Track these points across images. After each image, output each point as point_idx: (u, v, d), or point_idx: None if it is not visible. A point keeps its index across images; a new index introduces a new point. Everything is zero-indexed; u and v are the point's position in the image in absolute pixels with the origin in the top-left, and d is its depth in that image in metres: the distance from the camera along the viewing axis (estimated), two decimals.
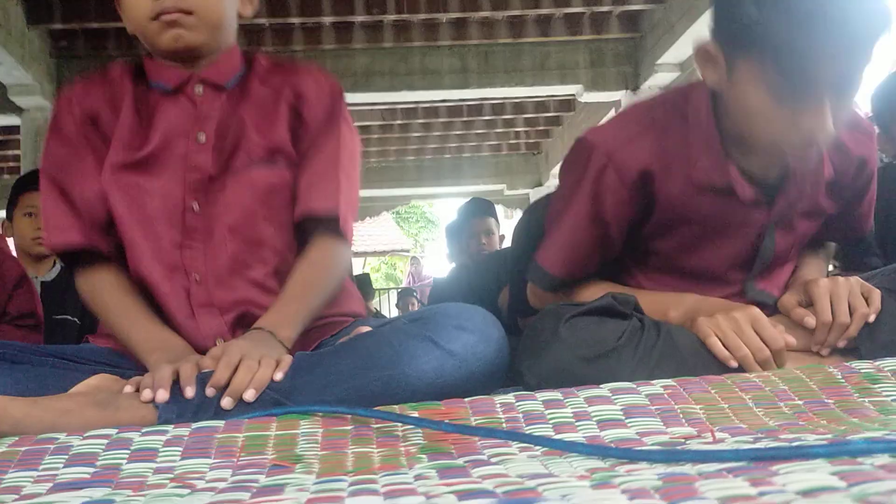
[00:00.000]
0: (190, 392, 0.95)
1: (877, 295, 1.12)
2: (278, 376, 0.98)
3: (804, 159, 1.13)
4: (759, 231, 1.21)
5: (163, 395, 0.94)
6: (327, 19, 4.88)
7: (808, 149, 1.09)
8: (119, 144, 1.19)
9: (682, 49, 4.76)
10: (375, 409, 0.89)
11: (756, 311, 1.08)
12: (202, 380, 0.97)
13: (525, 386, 1.08)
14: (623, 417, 0.83)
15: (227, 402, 0.95)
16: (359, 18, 4.89)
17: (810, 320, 1.12)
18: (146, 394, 0.95)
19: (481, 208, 3.60)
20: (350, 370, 1.00)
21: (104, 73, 1.25)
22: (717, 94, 1.14)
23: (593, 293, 1.21)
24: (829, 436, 0.72)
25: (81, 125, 1.20)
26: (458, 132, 7.39)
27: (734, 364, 1.05)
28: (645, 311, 1.16)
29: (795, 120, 1.04)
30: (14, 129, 5.75)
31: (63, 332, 2.45)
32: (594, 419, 0.83)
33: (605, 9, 5.01)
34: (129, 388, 0.98)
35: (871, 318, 1.11)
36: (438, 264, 7.76)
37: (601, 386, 0.92)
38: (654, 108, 1.23)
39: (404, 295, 7.67)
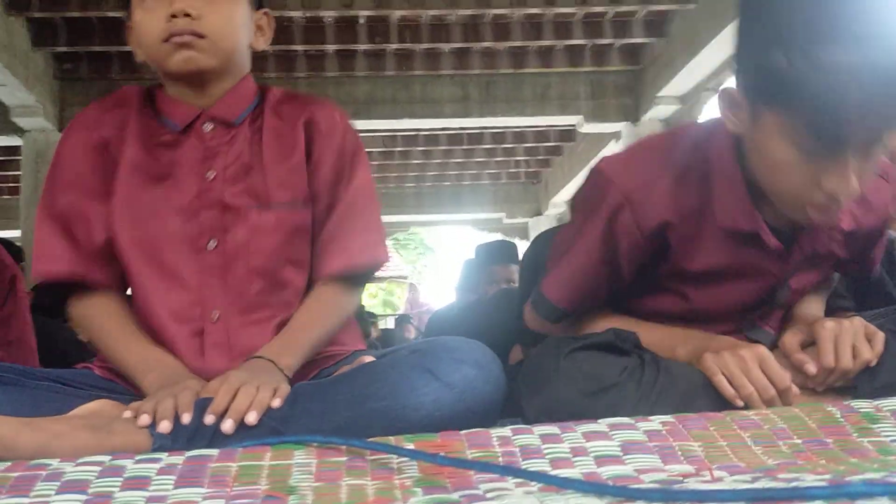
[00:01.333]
0: (187, 419, 0.94)
1: (880, 338, 1.10)
2: (276, 403, 0.97)
3: (826, 215, 1.08)
4: (774, 279, 1.19)
5: (166, 426, 0.93)
6: (331, 47, 4.93)
7: (830, 206, 1.05)
8: (127, 177, 1.17)
9: (682, 82, 4.80)
10: (370, 440, 0.88)
11: (763, 349, 1.08)
12: (199, 406, 0.96)
13: (524, 420, 1.07)
14: (621, 454, 0.83)
15: (228, 426, 0.94)
16: (362, 47, 4.94)
17: (810, 368, 1.10)
18: (143, 419, 0.94)
19: (506, 254, 3.30)
20: (348, 400, 0.99)
21: (116, 99, 1.23)
22: (740, 139, 1.11)
23: (596, 325, 1.21)
24: (828, 476, 0.71)
25: (91, 152, 1.19)
26: (458, 160, 7.43)
27: (740, 403, 1.04)
28: (650, 347, 1.15)
29: (819, 176, 1.00)
30: (15, 150, 5.78)
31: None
32: (592, 455, 0.83)
33: (606, 41, 5.07)
34: (128, 414, 0.97)
35: (873, 363, 1.10)
36: (436, 291, 7.76)
37: (599, 421, 0.91)
38: (676, 146, 1.18)
39: (401, 322, 7.65)
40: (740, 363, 1.05)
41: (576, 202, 1.26)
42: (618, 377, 1.06)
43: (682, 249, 1.16)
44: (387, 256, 1.26)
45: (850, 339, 1.10)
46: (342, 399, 0.99)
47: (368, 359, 1.11)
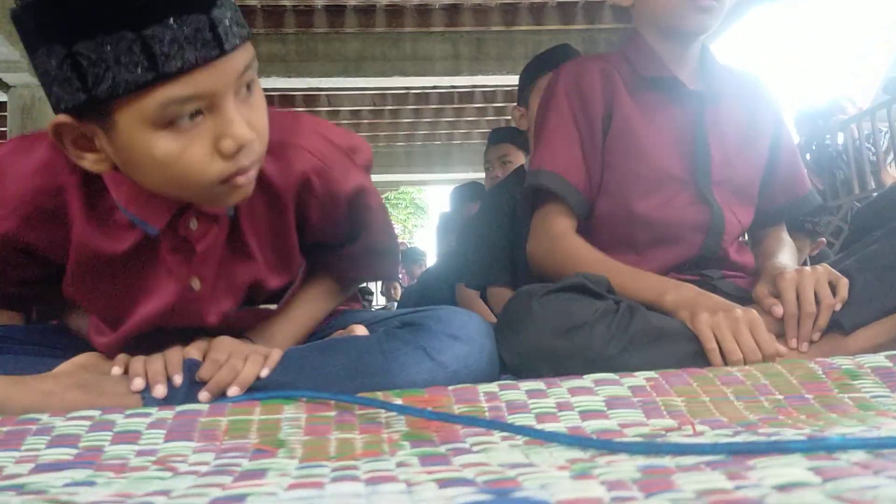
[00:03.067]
0: (178, 380, 0.95)
1: (843, 283, 1.14)
2: (264, 373, 0.97)
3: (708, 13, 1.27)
4: (691, 119, 1.33)
5: (161, 390, 0.94)
6: (319, 2, 4.86)
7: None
8: (79, 267, 0.97)
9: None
10: (359, 395, 0.89)
11: (756, 314, 1.10)
12: (189, 367, 0.97)
13: (501, 364, 1.09)
14: (605, 408, 0.84)
15: (203, 396, 0.95)
16: (351, 2, 4.87)
17: (777, 310, 1.14)
18: (137, 382, 0.94)
19: (476, 192, 3.51)
20: (339, 373, 0.99)
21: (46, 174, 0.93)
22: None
23: (585, 260, 1.25)
24: (808, 430, 0.73)
25: (31, 222, 0.94)
26: (448, 119, 7.38)
27: (719, 365, 1.06)
28: (636, 292, 1.18)
29: None
30: (1, 106, 5.70)
31: None
32: (576, 409, 0.84)
33: None
34: (116, 370, 0.97)
35: (837, 307, 1.14)
36: (426, 250, 7.76)
37: (584, 377, 0.92)
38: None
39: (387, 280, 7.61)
40: (732, 325, 1.07)
41: (540, 104, 1.43)
42: (590, 316, 1.08)
43: (617, 102, 1.34)
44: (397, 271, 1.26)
45: (812, 285, 1.13)
46: (333, 372, 0.99)
47: (361, 329, 1.10)
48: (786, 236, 1.45)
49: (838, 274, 1.15)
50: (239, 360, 0.97)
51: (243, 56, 0.84)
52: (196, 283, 1.00)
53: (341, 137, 1.06)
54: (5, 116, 5.48)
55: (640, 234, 1.33)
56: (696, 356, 1.07)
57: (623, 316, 1.10)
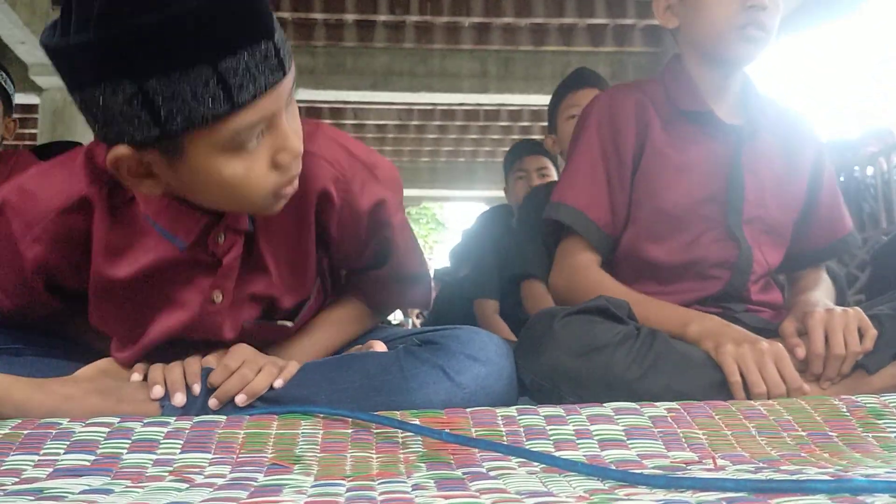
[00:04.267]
0: (197, 389, 0.95)
1: (871, 335, 1.11)
2: (278, 383, 0.97)
3: (756, 31, 1.24)
4: (726, 160, 1.30)
5: (180, 399, 0.94)
6: (350, 16, 4.90)
7: (755, 18, 1.22)
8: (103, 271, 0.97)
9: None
10: (376, 413, 0.89)
11: (781, 347, 1.08)
12: (207, 376, 0.97)
13: (520, 384, 1.08)
14: (625, 438, 0.83)
15: (213, 403, 0.95)
16: (381, 17, 4.91)
17: (800, 351, 1.12)
18: (157, 390, 0.94)
19: (505, 215, 3.52)
20: (356, 389, 0.98)
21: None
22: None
23: (611, 289, 1.23)
24: (831, 469, 0.72)
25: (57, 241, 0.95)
26: (474, 136, 7.39)
27: (743, 398, 1.04)
28: (658, 320, 1.16)
29: None
30: (33, 108, 5.79)
31: None
32: (595, 438, 0.83)
33: (628, 21, 5.01)
34: (135, 377, 0.98)
35: (860, 357, 1.11)
36: (444, 265, 7.77)
37: (604, 405, 0.92)
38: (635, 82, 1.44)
39: None
40: (758, 358, 1.05)
41: (573, 133, 1.41)
42: (611, 339, 1.06)
43: (650, 136, 1.32)
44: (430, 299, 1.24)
45: (841, 328, 1.10)
46: (350, 388, 0.99)
47: (379, 346, 1.09)
48: (824, 276, 1.41)
49: (868, 322, 1.12)
50: (251, 369, 0.97)
51: (292, 72, 0.85)
52: (218, 296, 0.99)
53: (362, 151, 1.05)
54: (37, 119, 5.57)
55: (665, 270, 1.31)
56: (719, 386, 1.05)
57: (644, 340, 1.09)
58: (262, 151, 0.85)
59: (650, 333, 1.10)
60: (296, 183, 0.91)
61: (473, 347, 1.02)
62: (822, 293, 1.32)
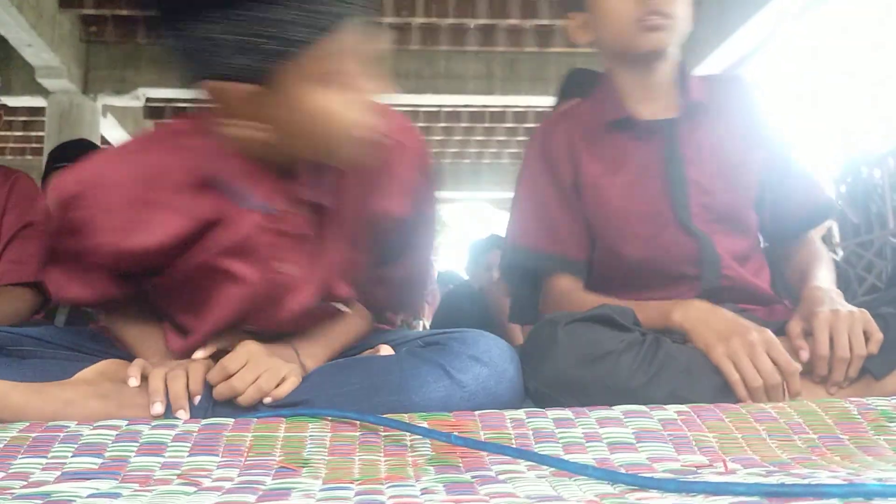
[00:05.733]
0: (198, 400, 0.95)
1: (876, 340, 1.10)
2: (267, 401, 0.96)
3: (658, 31, 1.24)
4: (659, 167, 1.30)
5: (183, 415, 0.93)
6: None
7: (656, 20, 1.22)
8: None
9: (709, 68, 4.74)
10: (384, 416, 0.88)
11: (770, 334, 1.07)
12: (209, 385, 0.96)
13: (525, 392, 1.08)
14: (634, 441, 0.83)
15: (197, 400, 0.95)
16: (387, 19, 4.90)
17: (804, 354, 1.10)
18: (156, 408, 0.93)
19: None
20: (358, 391, 0.98)
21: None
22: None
23: (584, 304, 1.22)
24: (843, 473, 0.71)
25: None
26: (479, 138, 7.39)
27: (745, 398, 1.04)
28: (644, 320, 1.16)
29: None
30: (40, 111, 5.81)
31: None
32: (605, 441, 0.83)
33: None
34: (132, 382, 0.96)
35: (873, 350, 1.10)
36: (450, 267, 7.77)
37: (613, 408, 0.91)
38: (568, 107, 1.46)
39: None
40: (749, 350, 1.05)
41: (518, 175, 1.42)
42: (616, 346, 1.06)
43: (582, 170, 1.33)
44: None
45: (846, 330, 1.09)
46: (352, 390, 0.98)
47: (386, 349, 1.08)
48: (819, 248, 1.37)
49: (874, 325, 1.11)
50: (251, 374, 0.95)
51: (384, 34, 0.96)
52: (286, 267, 1.02)
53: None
54: (43, 122, 5.59)
55: (637, 277, 1.30)
56: (723, 389, 1.05)
57: (649, 347, 1.08)
58: (350, 88, 0.92)
59: (655, 340, 1.09)
60: (376, 134, 0.96)
61: (477, 349, 1.02)
62: (824, 273, 1.29)
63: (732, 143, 1.32)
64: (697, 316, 1.13)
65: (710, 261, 1.27)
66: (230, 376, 0.96)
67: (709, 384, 1.06)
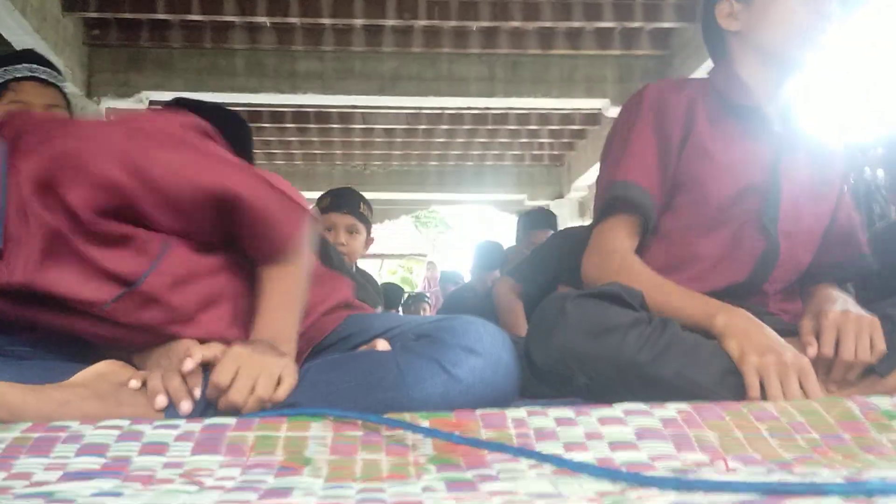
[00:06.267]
0: (197, 393, 0.95)
1: (879, 351, 1.11)
2: (278, 396, 0.96)
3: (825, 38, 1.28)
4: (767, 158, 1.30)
5: (187, 407, 0.93)
6: (358, 21, 4.90)
7: (826, 26, 1.27)
8: None
9: (707, 68, 4.74)
10: (386, 416, 0.88)
11: (807, 362, 1.06)
12: (207, 380, 0.96)
13: (531, 367, 1.08)
14: (635, 440, 0.83)
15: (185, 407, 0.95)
16: (389, 22, 4.90)
17: (812, 350, 1.11)
18: (160, 400, 0.94)
19: (544, 221, 3.45)
20: (354, 389, 0.98)
21: None
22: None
23: (642, 273, 1.23)
24: (844, 472, 0.71)
25: None
26: (481, 140, 7.39)
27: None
28: (684, 308, 1.16)
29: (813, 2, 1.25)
30: None
31: None
32: (606, 440, 0.83)
33: (636, 24, 4.99)
34: (134, 384, 0.97)
35: (873, 360, 1.11)
36: (453, 269, 7.78)
37: (614, 406, 0.91)
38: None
39: (416, 300, 7.56)
40: (780, 371, 1.04)
41: (617, 124, 1.40)
42: (623, 321, 1.06)
43: (695, 129, 1.32)
44: (306, 213, 1.13)
45: (853, 332, 1.10)
46: (348, 388, 0.98)
47: (383, 344, 1.07)
48: (840, 294, 1.37)
49: (881, 334, 1.11)
50: (245, 383, 0.94)
51: None
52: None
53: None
54: None
55: (698, 261, 1.30)
56: (730, 373, 1.05)
57: (657, 326, 1.08)
58: None
59: (662, 320, 1.10)
60: None
61: (469, 339, 1.01)
62: (840, 294, 1.31)
63: (817, 182, 1.35)
64: (740, 324, 1.11)
65: (767, 262, 1.29)
66: (225, 389, 0.94)
67: (715, 367, 1.06)
